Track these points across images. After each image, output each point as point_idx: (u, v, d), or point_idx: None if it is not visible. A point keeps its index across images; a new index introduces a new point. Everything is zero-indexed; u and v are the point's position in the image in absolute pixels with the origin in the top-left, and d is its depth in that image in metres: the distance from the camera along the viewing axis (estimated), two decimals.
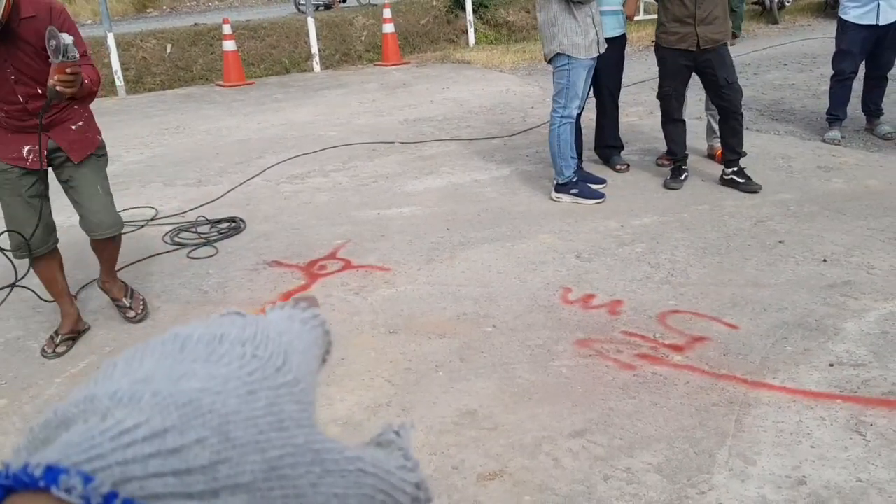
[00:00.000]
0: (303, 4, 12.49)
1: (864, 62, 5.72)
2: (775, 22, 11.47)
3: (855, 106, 5.97)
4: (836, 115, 5.87)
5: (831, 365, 2.99)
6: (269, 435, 0.42)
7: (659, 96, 5.10)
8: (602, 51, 4.73)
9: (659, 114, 5.26)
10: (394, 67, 10.88)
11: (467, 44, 11.91)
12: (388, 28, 11.04)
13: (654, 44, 5.11)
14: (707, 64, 4.75)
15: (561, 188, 4.97)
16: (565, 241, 4.39)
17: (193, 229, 4.95)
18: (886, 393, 2.80)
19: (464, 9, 11.82)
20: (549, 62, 4.82)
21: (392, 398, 2.98)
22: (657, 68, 5.11)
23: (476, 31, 12.04)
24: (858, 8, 5.43)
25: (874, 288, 3.58)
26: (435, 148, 6.49)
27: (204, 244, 4.68)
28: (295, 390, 0.48)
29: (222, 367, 0.47)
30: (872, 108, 5.93)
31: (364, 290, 3.95)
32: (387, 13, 11.04)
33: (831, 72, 5.83)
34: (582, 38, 4.58)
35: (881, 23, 5.39)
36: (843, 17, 5.55)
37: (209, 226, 4.99)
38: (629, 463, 2.51)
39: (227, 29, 10.51)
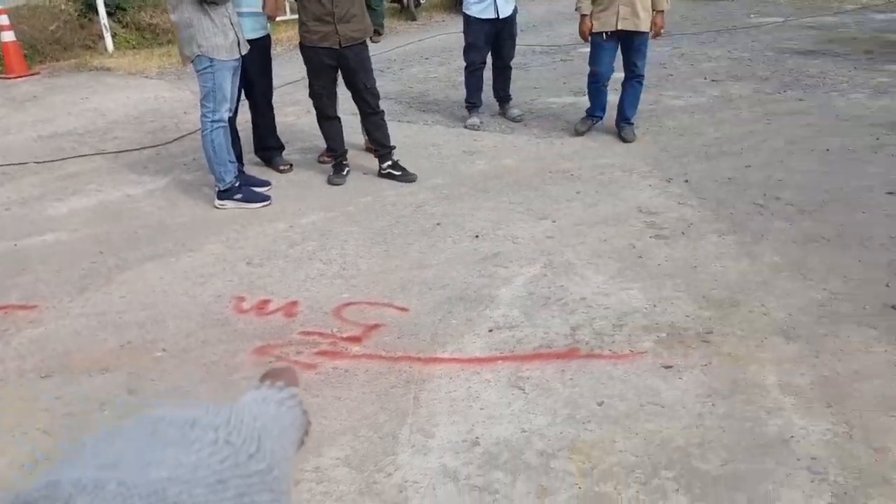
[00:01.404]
0: None
1: (490, 53, 6.33)
2: (413, 19, 12.27)
3: (489, 93, 6.59)
4: (473, 102, 6.43)
5: (490, 330, 3.27)
6: None
7: (310, 95, 5.15)
8: (244, 52, 4.63)
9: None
10: (20, 79, 9.64)
11: (105, 49, 10.97)
12: (8, 36, 9.73)
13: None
14: (348, 63, 4.89)
15: (224, 195, 4.80)
16: (234, 248, 4.24)
17: None
18: (537, 347, 3.14)
19: (97, 12, 10.85)
20: (193, 66, 4.61)
21: (50, 451, 2.63)
22: None
23: (115, 35, 11.12)
24: (479, 4, 5.99)
25: (519, 255, 3.98)
26: (78, 165, 5.87)
27: None
28: (268, 478, 0.47)
29: (192, 453, 0.45)
30: (502, 95, 6.60)
31: (6, 335, 3.44)
32: (3, 19, 9.72)
33: (464, 63, 6.37)
34: (222, 40, 4.44)
35: (501, 16, 6.00)
36: (467, 12, 6.09)
37: None
38: (317, 462, 2.49)
39: None
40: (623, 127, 5.90)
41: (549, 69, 8.51)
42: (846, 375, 2.83)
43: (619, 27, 5.46)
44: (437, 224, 4.43)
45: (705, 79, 7.67)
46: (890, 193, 4.52)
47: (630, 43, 5.62)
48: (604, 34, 5.57)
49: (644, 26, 5.47)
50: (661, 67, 8.18)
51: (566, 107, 6.87)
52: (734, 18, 11.27)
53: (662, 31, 5.62)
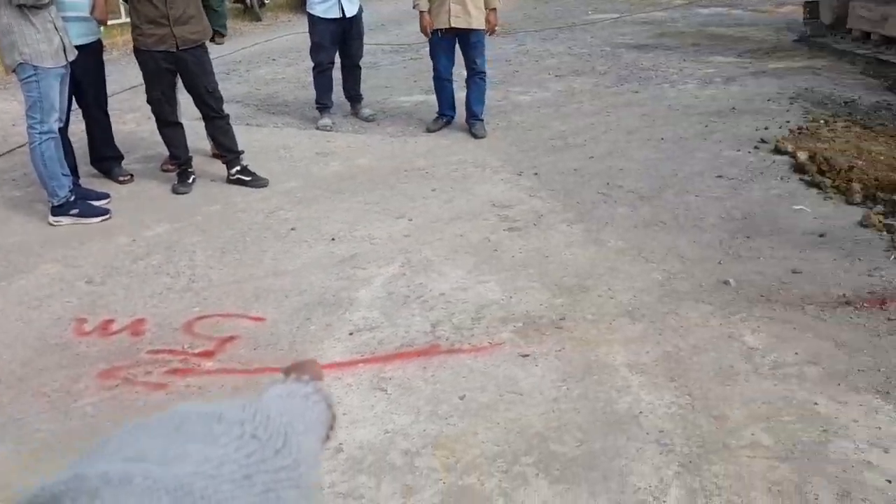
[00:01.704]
0: None
1: (338, 53, 6.27)
2: (258, 19, 11.97)
3: (340, 93, 6.53)
4: (323, 103, 6.35)
5: (351, 333, 3.24)
6: None
7: (149, 101, 4.90)
8: (71, 58, 4.33)
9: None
10: None
11: None
12: None
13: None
14: (187, 67, 4.70)
15: (58, 210, 4.48)
16: (72, 267, 3.97)
17: None
18: (399, 346, 3.14)
19: None
20: (16, 74, 4.27)
21: None
22: None
23: None
24: (323, 3, 5.91)
25: (377, 256, 3.97)
26: None
27: None
28: (294, 474, 0.46)
29: (219, 448, 0.45)
30: (353, 94, 6.56)
31: None
32: None
33: (312, 64, 6.28)
34: (46, 46, 4.14)
35: (346, 15, 5.95)
36: (311, 12, 6.00)
37: None
38: None
39: None
40: (473, 123, 6.01)
41: (400, 68, 8.54)
42: (686, 350, 3.01)
43: (452, 25, 5.58)
44: (292, 229, 4.33)
45: (549, 74, 7.95)
46: (719, 177, 4.86)
47: (466, 40, 5.75)
48: (439, 31, 5.68)
49: (477, 23, 5.61)
50: (507, 64, 8.41)
51: (418, 105, 6.92)
52: (573, 16, 11.77)
53: (497, 28, 5.78)
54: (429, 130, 6.12)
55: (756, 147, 5.32)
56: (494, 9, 5.67)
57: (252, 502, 0.42)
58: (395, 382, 2.89)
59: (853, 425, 2.52)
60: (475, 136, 5.94)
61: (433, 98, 6.35)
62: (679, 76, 7.59)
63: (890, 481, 2.27)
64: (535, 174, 5.10)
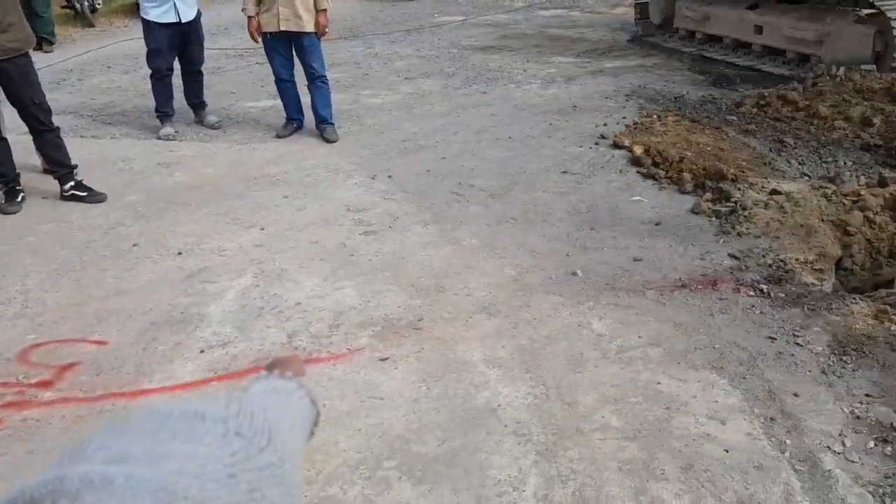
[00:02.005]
0: None
1: (178, 59, 6.01)
2: (91, 25, 11.25)
3: (182, 101, 6.26)
4: (164, 111, 6.07)
5: (202, 351, 3.11)
6: None
7: None
8: None
9: None
10: None
11: None
12: None
13: None
14: (10, 78, 4.36)
15: None
16: None
17: None
18: (254, 361, 3.05)
19: None
20: None
21: None
22: None
23: None
24: (157, 8, 5.64)
25: (228, 268, 3.84)
26: None
27: None
28: (279, 472, 0.46)
29: (202, 446, 0.43)
30: (196, 101, 6.31)
31: None
32: None
33: (150, 71, 5.99)
34: None
35: (183, 20, 5.71)
36: (145, 17, 5.71)
37: None
38: None
39: None
40: (324, 128, 5.94)
41: (245, 72, 8.31)
42: (540, 341, 3.12)
43: (282, 28, 5.51)
44: (134, 245, 4.11)
45: (399, 77, 7.99)
46: (564, 172, 5.06)
47: (300, 45, 5.69)
48: (268, 34, 5.61)
49: (308, 27, 5.56)
50: (356, 67, 8.38)
51: (266, 110, 6.75)
52: (420, 18, 11.89)
53: (327, 30, 5.74)
54: (279, 136, 5.99)
55: (596, 143, 5.59)
56: (325, 10, 5.61)
57: (237, 501, 0.41)
58: None
59: (693, 401, 2.70)
60: (327, 140, 5.87)
61: (281, 103, 6.22)
62: (524, 77, 7.84)
63: (727, 451, 2.44)
64: (389, 177, 5.10)
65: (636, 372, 2.88)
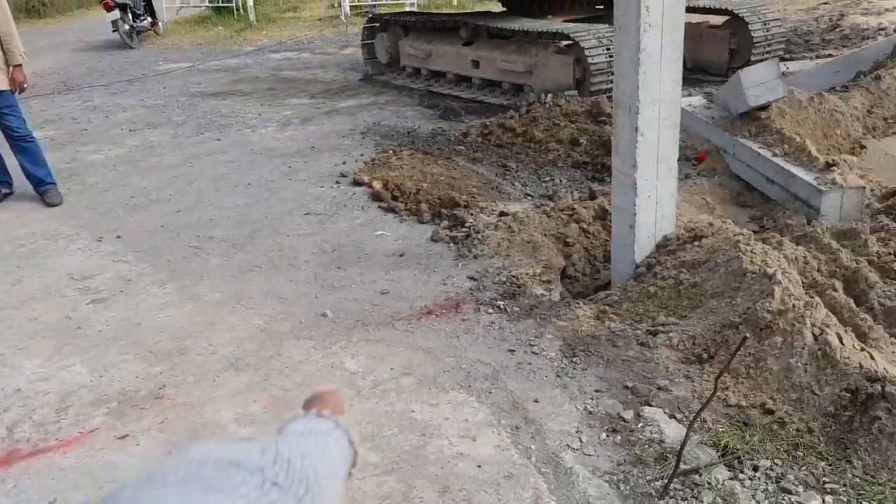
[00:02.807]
0: None
1: None
2: None
3: None
4: None
5: None
6: None
7: None
8: None
9: None
10: None
11: None
12: None
13: None
14: None
15: None
16: None
17: None
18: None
19: None
20: None
21: None
22: None
23: None
24: None
25: None
26: None
27: None
28: None
29: (239, 498, 0.43)
30: None
31: None
32: None
33: None
34: None
35: None
36: None
37: None
38: None
39: None
40: (45, 190, 5.41)
41: None
42: (293, 389, 3.04)
43: None
44: None
45: (123, 129, 7.51)
46: (307, 214, 5.03)
47: None
48: None
49: (2, 85, 5.09)
50: (73, 122, 7.77)
51: None
52: (143, 67, 11.32)
53: (25, 85, 5.27)
54: None
55: (337, 182, 5.63)
56: (19, 65, 5.14)
57: None
58: None
59: (445, 423, 2.77)
60: (49, 204, 5.35)
61: None
62: (259, 120, 7.73)
63: (480, 466, 2.54)
64: (118, 237, 4.75)
65: (390, 404, 2.91)
